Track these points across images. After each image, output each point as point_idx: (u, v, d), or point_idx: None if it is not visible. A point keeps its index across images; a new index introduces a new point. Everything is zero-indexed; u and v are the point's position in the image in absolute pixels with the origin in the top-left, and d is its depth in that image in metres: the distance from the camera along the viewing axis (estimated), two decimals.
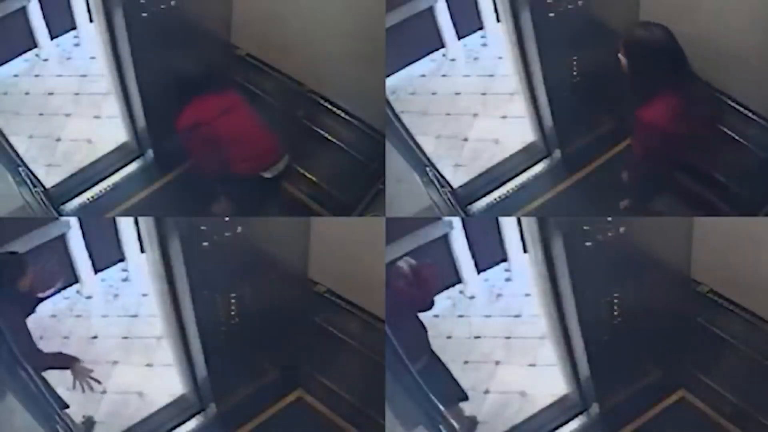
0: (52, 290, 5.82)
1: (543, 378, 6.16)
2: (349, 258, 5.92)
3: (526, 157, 6.41)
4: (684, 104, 5.32)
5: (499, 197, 6.24)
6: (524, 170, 6.36)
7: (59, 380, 5.68)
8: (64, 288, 6.66)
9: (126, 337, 6.52)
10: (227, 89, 5.82)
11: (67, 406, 5.63)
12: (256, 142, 5.81)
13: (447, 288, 6.96)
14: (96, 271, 6.98)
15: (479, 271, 7.04)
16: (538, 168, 6.36)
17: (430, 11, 7.28)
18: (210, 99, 5.69)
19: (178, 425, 5.93)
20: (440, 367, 5.70)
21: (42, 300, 5.71)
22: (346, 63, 6.13)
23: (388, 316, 5.47)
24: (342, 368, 5.94)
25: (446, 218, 6.58)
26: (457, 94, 7.00)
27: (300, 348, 5.99)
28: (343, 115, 6.28)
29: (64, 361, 5.65)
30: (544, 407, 5.99)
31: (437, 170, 6.10)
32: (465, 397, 5.75)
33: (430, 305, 5.60)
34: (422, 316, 5.63)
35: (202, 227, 5.64)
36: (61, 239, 6.77)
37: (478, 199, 6.23)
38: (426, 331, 5.63)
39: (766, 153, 6.01)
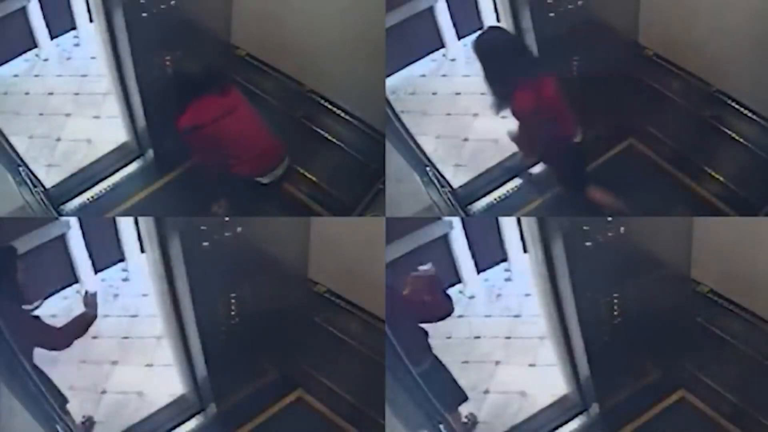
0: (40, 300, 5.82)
1: (543, 378, 6.16)
2: (349, 258, 5.92)
3: None
4: (538, 89, 5.43)
5: (499, 197, 6.24)
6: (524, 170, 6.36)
7: (59, 380, 5.70)
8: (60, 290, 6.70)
9: (126, 337, 6.52)
10: (229, 90, 5.81)
11: (67, 401, 5.62)
12: (257, 144, 5.80)
13: (447, 288, 6.95)
14: (96, 271, 6.98)
15: (479, 271, 7.05)
16: (537, 168, 6.36)
17: (430, 11, 7.28)
18: (212, 100, 5.69)
19: (178, 425, 5.93)
20: (442, 370, 5.70)
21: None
22: (346, 63, 6.13)
23: (389, 318, 5.47)
24: (342, 368, 5.94)
25: (446, 218, 6.58)
26: (457, 94, 7.01)
27: (300, 348, 5.99)
28: (343, 115, 6.28)
29: (82, 323, 5.58)
30: (544, 407, 5.99)
31: (437, 170, 6.10)
32: (465, 398, 5.75)
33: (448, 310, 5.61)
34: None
35: (202, 227, 5.64)
36: (61, 239, 6.77)
37: (478, 199, 6.23)
38: (427, 335, 5.63)
39: (766, 153, 6.02)
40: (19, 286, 5.43)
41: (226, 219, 5.76)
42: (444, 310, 5.55)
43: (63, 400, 5.59)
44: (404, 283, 5.41)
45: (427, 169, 6.05)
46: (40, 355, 5.47)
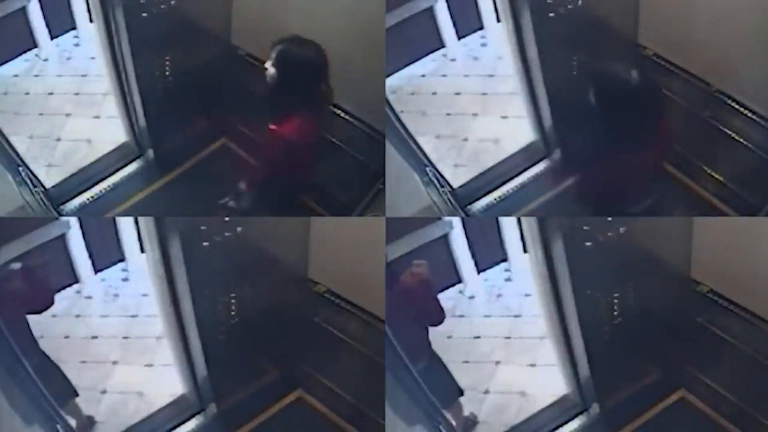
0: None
1: (543, 378, 6.16)
2: (349, 258, 5.92)
3: (526, 157, 6.41)
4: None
5: (499, 197, 6.24)
6: (524, 170, 6.36)
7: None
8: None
9: (126, 337, 6.53)
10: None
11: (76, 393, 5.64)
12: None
13: (447, 288, 6.96)
14: (96, 271, 6.98)
15: (479, 271, 7.05)
16: (538, 168, 6.36)
17: (430, 11, 7.28)
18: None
19: (178, 425, 5.93)
20: (440, 366, 5.71)
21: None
22: (346, 63, 6.12)
23: (389, 318, 5.47)
24: (342, 368, 5.94)
25: (446, 218, 6.58)
26: (457, 94, 7.00)
27: (300, 348, 5.99)
28: (343, 115, 6.28)
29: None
30: (544, 407, 5.99)
31: (437, 170, 6.10)
32: (461, 392, 5.76)
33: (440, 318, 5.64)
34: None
35: (202, 227, 5.64)
36: (61, 239, 6.78)
37: (478, 199, 6.23)
38: (427, 332, 5.65)
39: (766, 153, 6.01)
40: None
41: (226, 219, 5.76)
42: (435, 318, 5.60)
43: (72, 391, 5.60)
44: (401, 278, 5.44)
45: (427, 169, 6.05)
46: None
